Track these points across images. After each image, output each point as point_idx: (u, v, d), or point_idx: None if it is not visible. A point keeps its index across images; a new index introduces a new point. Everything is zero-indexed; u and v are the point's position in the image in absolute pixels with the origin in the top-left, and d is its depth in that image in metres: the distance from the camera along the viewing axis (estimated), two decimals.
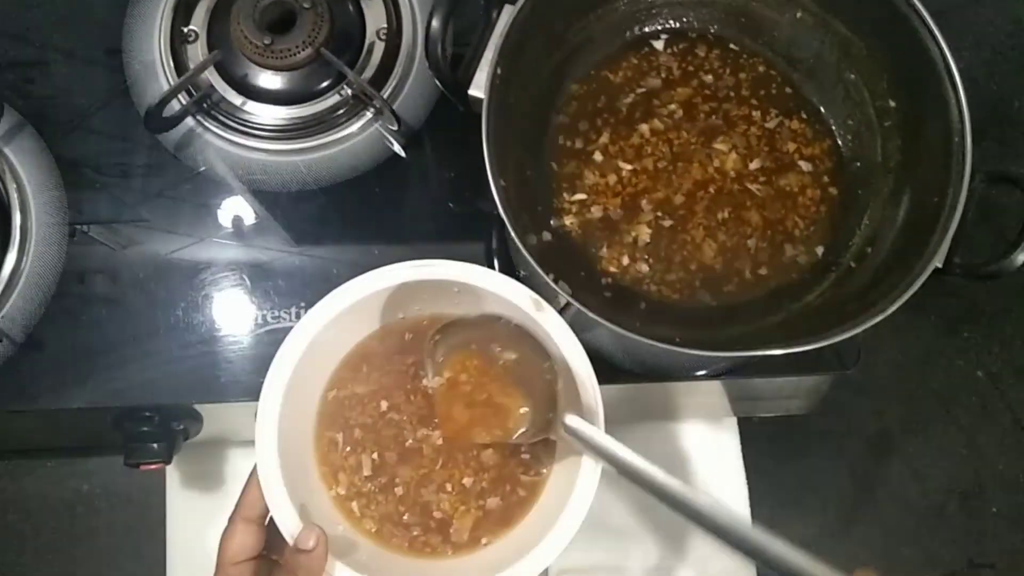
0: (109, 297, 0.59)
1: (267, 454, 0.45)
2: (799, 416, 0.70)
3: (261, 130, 0.63)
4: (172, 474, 0.68)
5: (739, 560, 0.70)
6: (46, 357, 0.57)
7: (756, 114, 0.58)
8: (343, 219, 0.62)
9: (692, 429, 0.71)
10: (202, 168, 0.62)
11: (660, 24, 0.60)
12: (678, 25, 0.60)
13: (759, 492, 0.72)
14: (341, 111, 0.63)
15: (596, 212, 0.56)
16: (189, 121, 0.63)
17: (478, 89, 0.52)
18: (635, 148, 0.57)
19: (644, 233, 0.55)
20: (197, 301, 0.59)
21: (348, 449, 0.49)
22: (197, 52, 0.64)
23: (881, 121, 0.56)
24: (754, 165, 0.57)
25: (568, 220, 0.55)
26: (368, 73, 0.64)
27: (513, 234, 0.47)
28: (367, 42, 0.64)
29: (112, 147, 0.63)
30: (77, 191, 0.61)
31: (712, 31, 0.60)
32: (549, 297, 0.47)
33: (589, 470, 0.45)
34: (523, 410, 0.46)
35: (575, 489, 0.45)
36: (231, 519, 0.45)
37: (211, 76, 0.63)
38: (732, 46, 0.60)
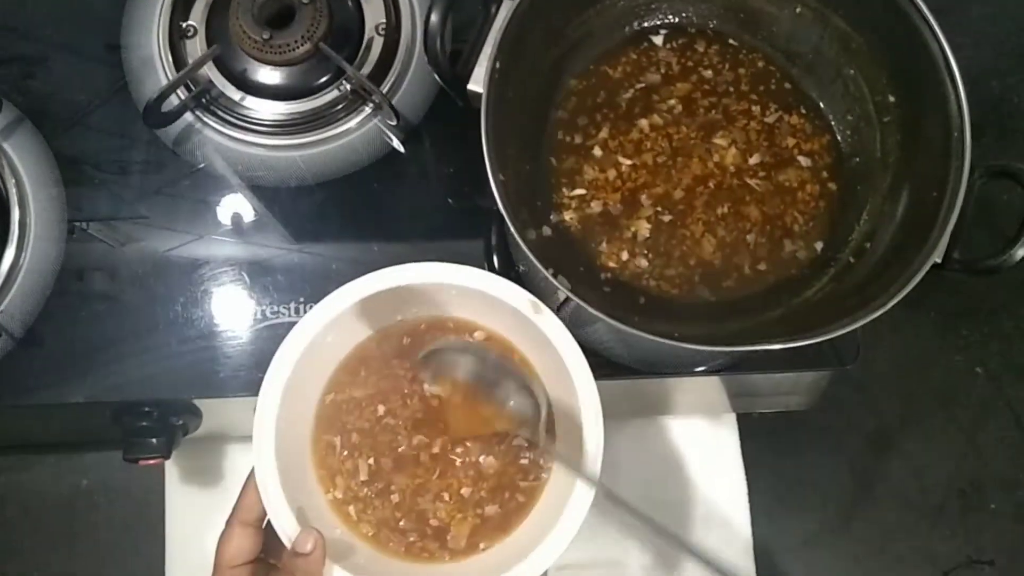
0: (108, 293, 0.59)
1: (265, 457, 0.45)
2: (798, 412, 0.70)
3: (260, 125, 0.63)
4: (171, 469, 0.68)
5: (738, 557, 0.70)
6: (45, 352, 0.57)
7: (755, 109, 0.58)
8: (341, 215, 0.62)
9: (691, 425, 0.71)
10: (201, 164, 0.62)
11: (659, 19, 0.60)
12: (677, 20, 0.60)
13: (758, 488, 0.72)
14: (340, 106, 0.63)
15: (595, 207, 0.56)
16: (188, 116, 0.63)
17: (477, 84, 0.52)
18: (634, 143, 0.57)
19: (643, 228, 0.55)
20: (196, 297, 0.59)
21: (345, 453, 0.48)
22: (196, 47, 0.64)
23: (880, 116, 0.55)
24: (753, 160, 0.57)
25: (567, 215, 0.55)
26: (367, 68, 0.64)
27: (512, 229, 0.47)
28: (366, 37, 0.64)
29: (111, 143, 0.63)
30: (76, 187, 0.61)
31: (711, 26, 0.60)
32: (548, 292, 0.47)
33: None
34: (511, 403, 0.46)
35: (574, 489, 0.44)
36: (228, 522, 0.45)
37: (210, 71, 0.63)
38: (731, 41, 0.60)
